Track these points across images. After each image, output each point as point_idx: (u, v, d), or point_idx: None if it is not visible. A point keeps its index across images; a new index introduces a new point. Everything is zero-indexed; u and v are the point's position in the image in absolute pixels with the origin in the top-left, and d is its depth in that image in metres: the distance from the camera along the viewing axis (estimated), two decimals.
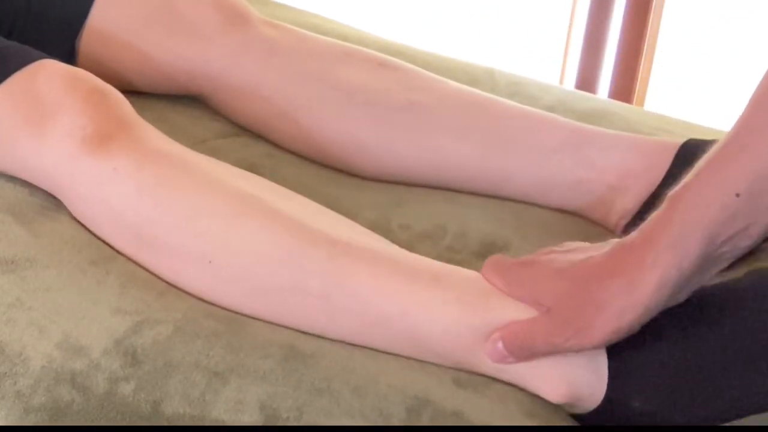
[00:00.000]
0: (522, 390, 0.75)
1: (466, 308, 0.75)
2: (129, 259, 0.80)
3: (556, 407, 0.75)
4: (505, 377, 0.75)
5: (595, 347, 0.69)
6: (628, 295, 0.66)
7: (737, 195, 0.62)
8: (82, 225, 0.82)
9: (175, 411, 0.70)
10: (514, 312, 0.74)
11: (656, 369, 0.72)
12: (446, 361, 0.76)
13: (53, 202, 0.84)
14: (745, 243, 0.65)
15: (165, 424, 0.69)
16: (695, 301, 0.72)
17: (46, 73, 0.83)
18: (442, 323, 0.75)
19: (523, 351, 0.72)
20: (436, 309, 0.75)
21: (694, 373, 0.71)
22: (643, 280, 0.65)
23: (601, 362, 0.73)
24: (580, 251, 0.72)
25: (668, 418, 0.72)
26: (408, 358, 0.77)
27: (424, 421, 0.71)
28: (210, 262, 0.77)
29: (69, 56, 0.99)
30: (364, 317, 0.75)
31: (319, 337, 0.76)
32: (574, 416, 0.76)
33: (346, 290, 0.75)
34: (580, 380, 0.73)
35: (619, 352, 0.72)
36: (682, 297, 0.68)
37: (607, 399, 0.73)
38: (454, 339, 0.75)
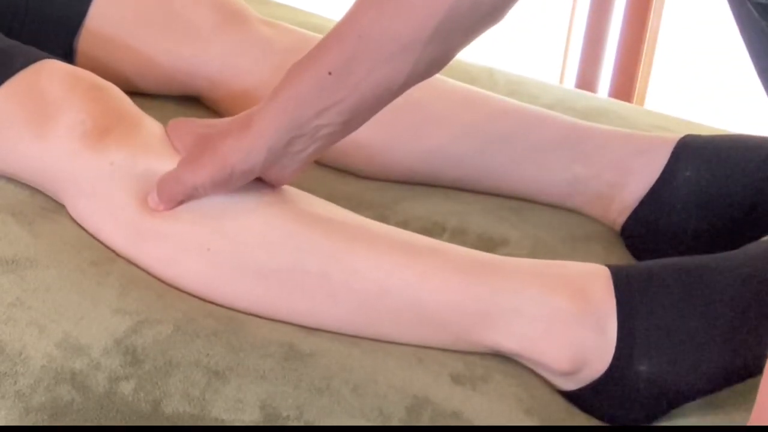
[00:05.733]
0: (521, 386, 0.75)
1: (469, 277, 0.75)
2: (129, 259, 0.80)
3: (555, 404, 0.76)
4: (510, 346, 0.75)
5: (205, 181, 0.76)
6: (236, 142, 0.76)
7: (330, 73, 0.73)
8: (82, 227, 0.82)
9: (175, 410, 0.70)
10: (519, 282, 0.75)
11: (662, 333, 0.73)
12: (449, 333, 0.76)
13: (53, 204, 0.84)
14: (339, 119, 0.75)
15: (165, 423, 0.69)
16: (699, 268, 0.74)
17: (48, 72, 0.83)
18: (443, 291, 0.75)
19: (165, 194, 0.78)
20: (437, 277, 0.75)
21: (699, 337, 0.72)
22: (249, 132, 0.76)
23: (610, 325, 0.74)
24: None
25: (672, 383, 0.73)
26: (407, 345, 0.77)
27: (424, 422, 0.71)
28: (208, 249, 0.77)
29: (67, 56, 0.98)
30: (365, 293, 0.76)
31: (317, 335, 0.76)
32: (573, 399, 0.76)
33: (345, 267, 0.76)
34: (588, 342, 0.74)
35: (626, 317, 0.73)
36: (288, 167, 0.78)
37: (614, 363, 0.73)
38: (457, 308, 0.75)
